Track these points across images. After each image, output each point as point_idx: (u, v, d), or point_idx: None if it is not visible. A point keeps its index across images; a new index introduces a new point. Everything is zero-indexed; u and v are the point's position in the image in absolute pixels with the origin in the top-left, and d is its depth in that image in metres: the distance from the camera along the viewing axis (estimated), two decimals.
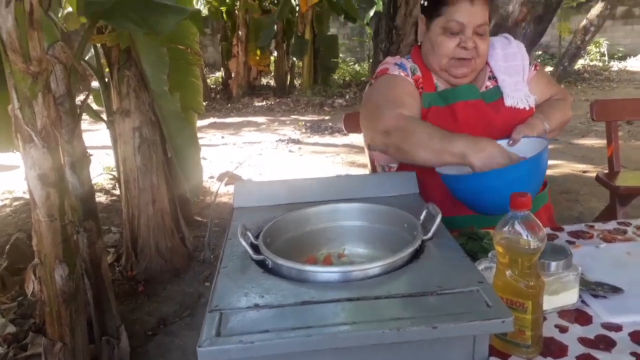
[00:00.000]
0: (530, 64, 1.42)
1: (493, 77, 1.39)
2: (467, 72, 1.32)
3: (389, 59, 1.43)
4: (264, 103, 8.94)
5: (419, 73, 1.38)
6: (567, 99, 1.46)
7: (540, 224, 0.78)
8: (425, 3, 1.35)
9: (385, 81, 1.37)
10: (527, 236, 0.77)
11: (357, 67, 12.02)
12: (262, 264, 0.91)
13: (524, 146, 1.24)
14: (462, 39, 1.27)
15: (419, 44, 1.43)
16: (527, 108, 1.35)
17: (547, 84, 1.45)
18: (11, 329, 2.21)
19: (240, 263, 0.92)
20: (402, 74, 1.35)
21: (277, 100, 9.08)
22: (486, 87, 1.38)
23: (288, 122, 7.42)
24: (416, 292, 0.79)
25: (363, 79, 10.29)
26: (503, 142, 1.24)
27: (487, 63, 1.40)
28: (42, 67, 1.52)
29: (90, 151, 1.95)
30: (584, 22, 7.77)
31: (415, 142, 1.20)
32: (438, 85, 1.38)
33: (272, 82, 10.37)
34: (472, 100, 1.33)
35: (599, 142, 4.88)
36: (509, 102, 1.34)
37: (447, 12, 1.27)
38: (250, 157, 5.33)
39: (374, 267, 0.85)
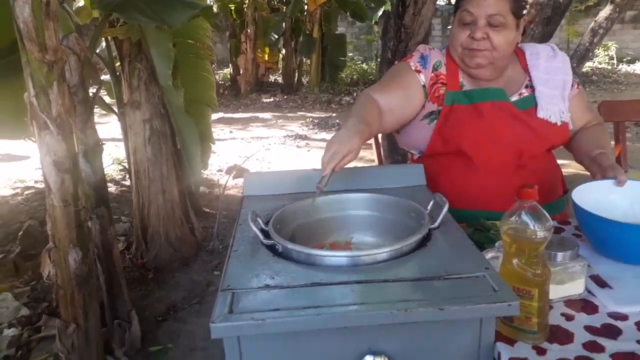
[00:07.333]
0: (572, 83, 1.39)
1: (531, 86, 1.36)
2: (483, 64, 1.30)
3: (421, 47, 1.42)
4: (271, 99, 8.96)
5: (442, 69, 1.37)
6: (604, 124, 1.46)
7: (547, 214, 0.79)
8: None
9: (397, 68, 1.41)
10: (534, 226, 0.78)
11: (364, 65, 12.01)
12: (272, 248, 0.93)
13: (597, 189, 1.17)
14: (473, 29, 1.28)
15: None
16: (559, 123, 1.32)
17: (586, 107, 1.44)
18: (25, 311, 2.25)
19: (251, 247, 0.94)
20: (417, 67, 1.36)
21: (285, 97, 9.10)
22: (520, 94, 1.36)
23: (295, 118, 7.43)
24: (424, 276, 0.80)
25: (371, 77, 10.28)
26: (609, 182, 1.18)
27: (527, 71, 1.38)
28: (57, 56, 1.55)
29: None
30: (592, 24, 7.72)
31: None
32: (464, 84, 1.37)
33: (280, 79, 10.38)
34: (499, 101, 1.31)
35: None
36: (541, 114, 1.32)
37: (462, 3, 1.29)
38: (258, 152, 5.36)
39: (382, 253, 0.87)
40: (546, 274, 0.79)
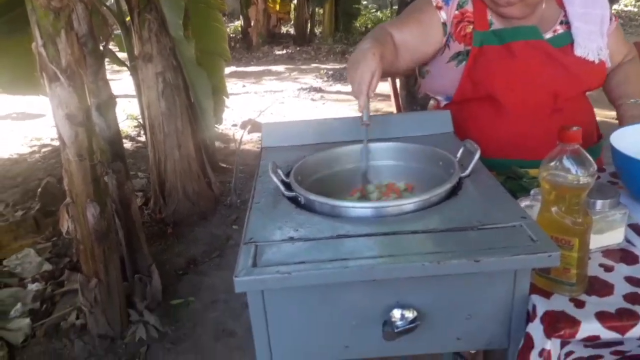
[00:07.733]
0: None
1: (566, 22, 1.27)
2: (513, 1, 1.20)
3: None
4: (284, 52, 8.77)
5: (468, 7, 1.27)
6: (637, 56, 1.37)
7: (591, 158, 0.74)
8: None
9: (417, 2, 1.33)
10: (576, 171, 0.72)
11: (379, 14, 11.62)
12: (293, 200, 0.89)
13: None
14: None
15: None
16: (597, 61, 1.24)
17: (622, 40, 1.35)
18: (47, 267, 2.29)
19: (272, 199, 0.90)
20: (438, 3, 1.27)
21: (298, 48, 8.89)
22: (555, 31, 1.26)
23: (309, 70, 7.28)
24: (455, 227, 0.76)
25: None
26: None
27: (561, 6, 1.28)
28: (63, 3, 1.48)
29: None
30: None
31: None
32: (493, 22, 1.27)
33: (292, 31, 10.12)
34: (533, 40, 1.22)
35: None
36: (579, 51, 1.23)
37: None
38: (272, 105, 5.28)
39: (409, 203, 0.83)
40: (588, 223, 0.74)
